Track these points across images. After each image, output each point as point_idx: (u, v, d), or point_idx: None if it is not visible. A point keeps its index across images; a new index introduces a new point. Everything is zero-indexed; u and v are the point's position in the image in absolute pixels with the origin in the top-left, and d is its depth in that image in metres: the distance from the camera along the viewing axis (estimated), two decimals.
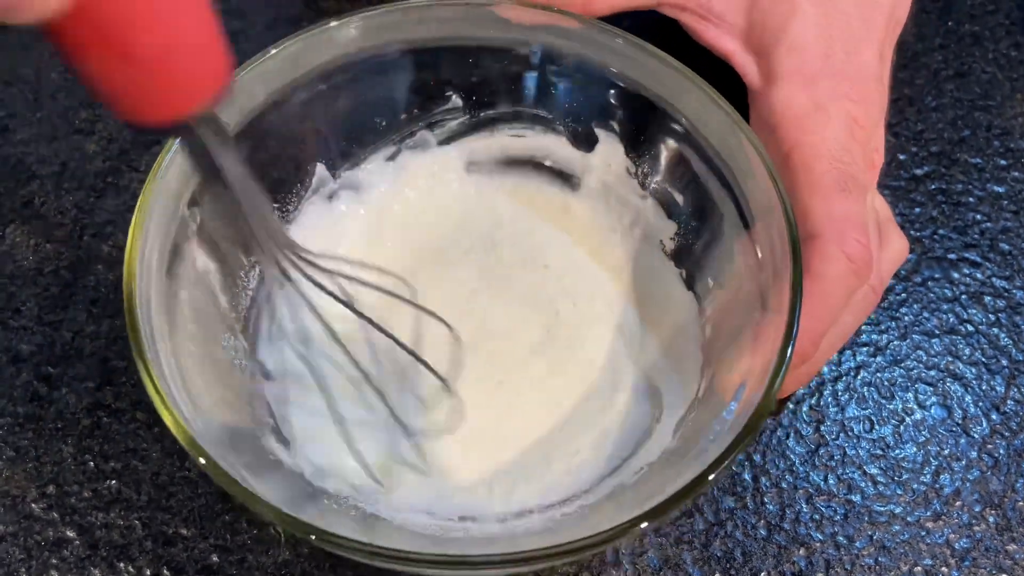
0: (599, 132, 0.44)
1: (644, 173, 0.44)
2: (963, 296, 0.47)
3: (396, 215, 0.45)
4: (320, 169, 0.43)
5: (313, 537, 0.29)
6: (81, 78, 0.22)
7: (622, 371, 0.41)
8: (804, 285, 0.33)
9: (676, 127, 0.41)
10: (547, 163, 0.46)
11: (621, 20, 0.42)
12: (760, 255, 0.36)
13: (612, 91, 0.42)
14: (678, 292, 0.43)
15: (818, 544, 0.40)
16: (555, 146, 0.45)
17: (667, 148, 0.42)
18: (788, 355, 0.32)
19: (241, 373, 0.39)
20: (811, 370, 0.39)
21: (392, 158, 0.45)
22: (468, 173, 0.46)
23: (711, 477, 0.30)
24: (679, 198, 0.43)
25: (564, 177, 0.46)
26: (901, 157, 0.51)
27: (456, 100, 0.44)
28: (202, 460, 0.30)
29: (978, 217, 0.50)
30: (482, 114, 0.45)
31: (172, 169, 0.35)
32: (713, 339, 0.40)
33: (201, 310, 0.38)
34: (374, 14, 0.40)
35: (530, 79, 0.43)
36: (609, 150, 0.44)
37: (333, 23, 0.39)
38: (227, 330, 0.39)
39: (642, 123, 0.42)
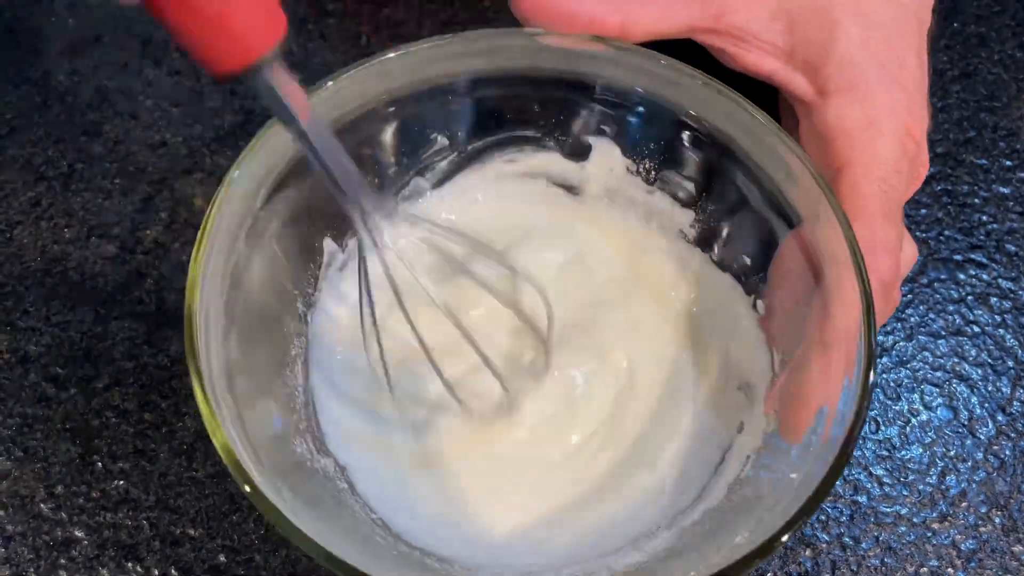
0: (591, 140, 0.44)
1: (647, 169, 0.44)
2: (969, 297, 0.47)
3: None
4: (328, 243, 0.43)
5: None
6: (173, 37, 0.28)
7: (686, 376, 0.42)
8: (839, 309, 0.34)
9: (673, 118, 0.41)
10: (544, 181, 0.46)
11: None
12: (795, 227, 0.37)
13: (601, 97, 0.42)
14: (714, 277, 0.43)
15: (824, 545, 0.40)
16: (549, 163, 0.45)
17: (667, 140, 0.42)
18: (871, 382, 0.32)
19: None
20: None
21: (383, 240, 0.44)
22: (473, 205, 0.46)
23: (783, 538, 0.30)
24: (689, 185, 0.43)
25: (566, 188, 0.46)
26: None
27: (442, 140, 0.44)
28: (246, 487, 0.30)
29: (984, 218, 0.50)
30: (470, 147, 0.44)
31: (232, 203, 0.35)
32: (770, 315, 0.40)
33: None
34: (350, 75, 0.38)
35: (513, 103, 0.43)
36: (605, 155, 0.44)
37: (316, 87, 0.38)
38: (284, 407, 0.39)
39: (638, 122, 0.42)
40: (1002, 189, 0.51)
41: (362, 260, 0.37)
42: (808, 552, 0.40)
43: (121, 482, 0.41)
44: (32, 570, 0.39)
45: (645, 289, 0.44)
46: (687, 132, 0.41)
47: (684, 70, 0.39)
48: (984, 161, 0.52)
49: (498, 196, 0.46)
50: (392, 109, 0.41)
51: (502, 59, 0.41)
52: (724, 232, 0.43)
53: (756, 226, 0.40)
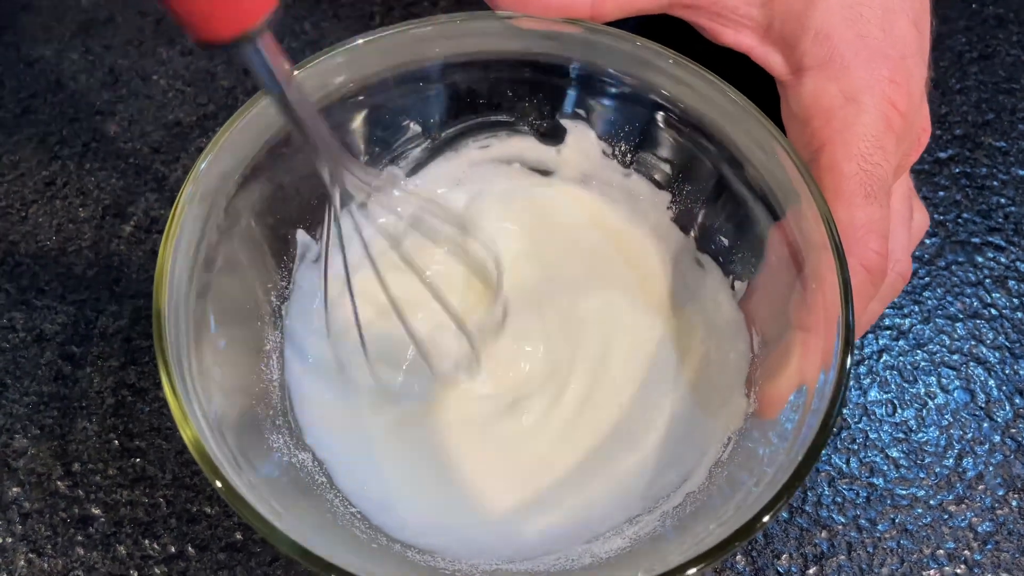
0: (565, 123, 0.44)
1: (623, 152, 0.44)
2: (987, 280, 0.47)
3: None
4: (301, 235, 0.42)
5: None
6: (161, 4, 0.27)
7: (664, 369, 0.41)
8: (815, 293, 0.33)
9: (648, 100, 0.41)
10: (518, 166, 0.45)
11: (623, 23, 0.41)
12: (773, 208, 0.37)
13: (575, 80, 0.42)
14: (692, 257, 0.43)
15: (840, 527, 0.40)
16: (524, 147, 0.45)
17: (643, 122, 0.42)
18: (847, 368, 0.32)
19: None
20: None
21: (363, 204, 0.44)
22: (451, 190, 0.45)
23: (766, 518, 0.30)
24: (666, 167, 0.43)
25: (541, 172, 0.45)
26: None
27: (415, 127, 0.43)
28: (218, 483, 0.30)
29: (1002, 201, 0.49)
30: (443, 134, 0.44)
31: (200, 195, 0.35)
32: (749, 296, 0.40)
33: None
34: (317, 62, 0.38)
35: (486, 87, 0.43)
36: (581, 138, 0.44)
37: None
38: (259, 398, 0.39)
39: (613, 104, 0.42)
40: (1020, 172, 0.50)
41: (333, 224, 0.36)
42: (824, 534, 0.40)
43: (137, 460, 0.41)
44: (49, 547, 0.39)
45: (623, 266, 0.44)
46: (662, 113, 0.41)
47: (658, 50, 0.38)
48: (1003, 143, 0.51)
49: (472, 182, 0.45)
50: (363, 96, 0.41)
51: (474, 43, 0.41)
52: (701, 213, 0.42)
53: (733, 207, 0.40)
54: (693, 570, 0.30)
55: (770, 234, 0.38)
